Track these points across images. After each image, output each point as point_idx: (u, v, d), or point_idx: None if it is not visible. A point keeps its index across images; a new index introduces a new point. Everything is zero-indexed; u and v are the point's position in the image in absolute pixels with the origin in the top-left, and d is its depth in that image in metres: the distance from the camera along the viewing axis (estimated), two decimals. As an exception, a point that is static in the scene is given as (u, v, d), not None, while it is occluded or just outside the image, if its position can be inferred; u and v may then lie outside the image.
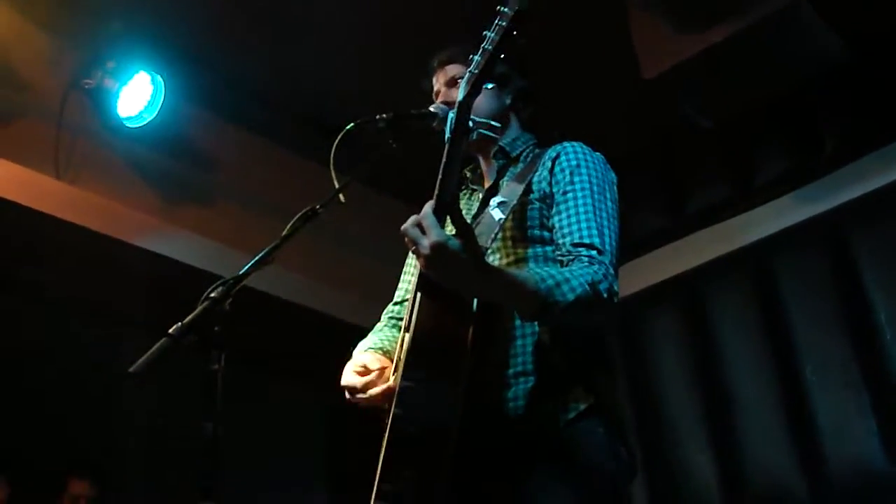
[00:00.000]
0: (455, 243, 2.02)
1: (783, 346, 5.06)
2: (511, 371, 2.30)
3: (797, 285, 5.11)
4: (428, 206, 2.07)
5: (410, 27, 4.72)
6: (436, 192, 2.10)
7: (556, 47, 4.37)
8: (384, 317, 2.82)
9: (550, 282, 2.12)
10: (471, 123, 2.24)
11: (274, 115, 5.42)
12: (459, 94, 2.18)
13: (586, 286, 2.14)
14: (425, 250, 2.01)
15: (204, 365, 1.96)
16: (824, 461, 4.75)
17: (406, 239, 2.06)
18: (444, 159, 2.14)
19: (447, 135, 2.20)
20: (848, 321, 4.88)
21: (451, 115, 2.20)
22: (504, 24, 2.11)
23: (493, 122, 2.55)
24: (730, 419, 5.15)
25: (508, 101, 2.69)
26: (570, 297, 2.11)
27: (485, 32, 2.15)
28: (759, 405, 5.06)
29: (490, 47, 2.14)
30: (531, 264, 2.36)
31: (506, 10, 2.13)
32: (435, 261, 2.02)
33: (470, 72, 2.16)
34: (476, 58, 2.16)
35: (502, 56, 2.15)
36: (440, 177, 2.11)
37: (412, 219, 2.05)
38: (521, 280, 2.11)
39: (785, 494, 4.84)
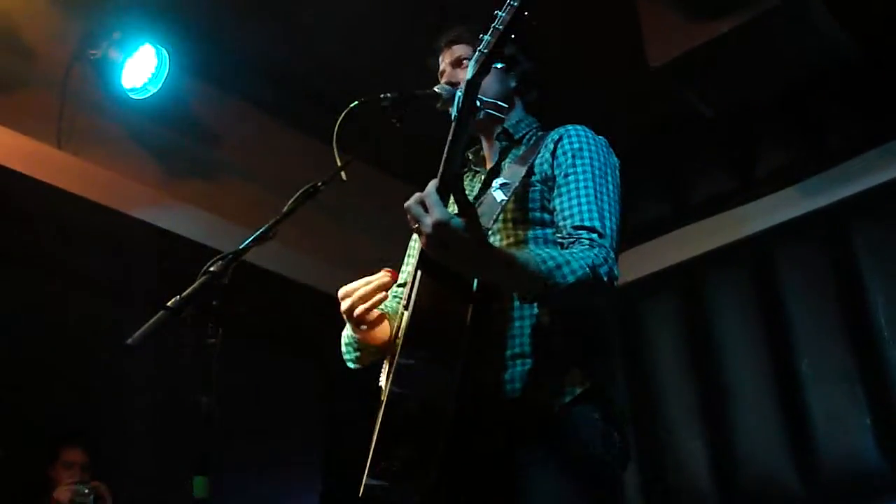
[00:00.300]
0: (458, 222, 2.01)
1: (780, 338, 5.07)
2: (508, 352, 2.30)
3: (796, 278, 5.12)
4: (431, 185, 2.06)
5: (418, 4, 4.71)
6: (440, 170, 2.09)
7: (561, 33, 4.36)
8: (389, 296, 2.83)
9: (551, 263, 2.11)
10: (478, 103, 2.23)
11: (278, 90, 5.42)
12: (468, 73, 2.15)
13: (587, 269, 2.14)
14: (427, 228, 2.00)
15: (201, 338, 1.97)
16: (817, 454, 4.77)
17: (409, 216, 2.05)
18: (449, 138, 2.12)
19: (454, 114, 2.18)
20: (845, 316, 4.89)
21: (459, 94, 2.18)
22: (515, 3, 2.08)
23: (500, 103, 2.54)
24: (724, 409, 5.17)
25: (514, 84, 2.68)
26: (571, 279, 2.11)
27: (495, 12, 2.13)
28: (755, 396, 5.07)
29: (500, 27, 2.10)
30: (531, 246, 2.35)
31: None
32: (436, 239, 2.00)
33: (479, 51, 2.13)
34: (486, 37, 2.13)
35: (512, 36, 2.12)
36: (445, 155, 2.10)
37: (415, 196, 2.04)
38: (522, 261, 2.11)
39: (777, 485, 4.85)
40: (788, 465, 4.85)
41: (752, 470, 4.97)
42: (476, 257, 2.05)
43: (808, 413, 4.86)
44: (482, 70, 2.14)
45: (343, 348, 2.65)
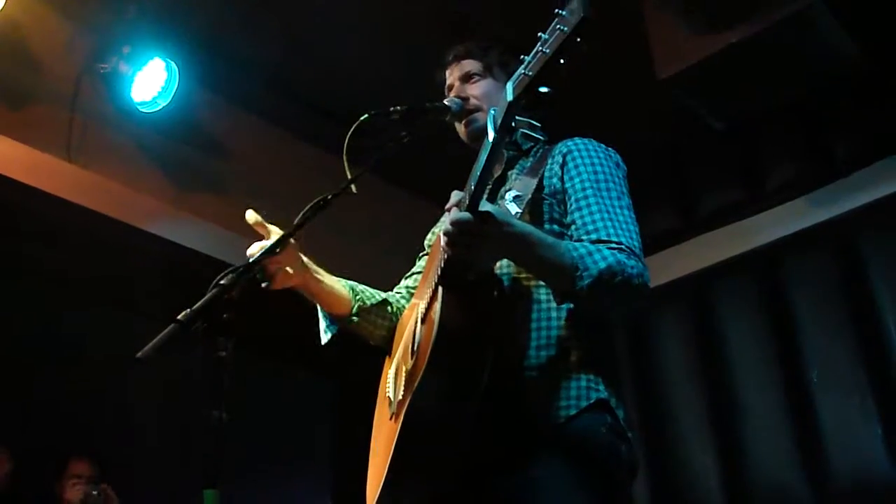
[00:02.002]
0: (500, 210, 2.10)
1: (790, 350, 5.05)
2: (525, 363, 2.30)
3: (806, 289, 5.10)
4: (456, 195, 2.12)
5: (427, 18, 4.72)
6: (471, 190, 2.09)
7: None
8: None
9: (582, 251, 2.18)
10: (513, 123, 2.19)
11: (287, 103, 5.43)
12: (508, 94, 2.06)
13: (620, 259, 2.19)
14: (473, 224, 2.04)
15: (212, 352, 1.96)
16: (828, 466, 4.74)
17: (451, 230, 2.07)
18: (483, 157, 2.10)
19: (492, 134, 2.10)
20: (855, 326, 4.87)
21: (493, 112, 2.12)
22: (565, 29, 1.96)
23: (534, 122, 2.50)
24: (734, 421, 5.15)
25: None
26: (602, 264, 2.15)
27: (539, 34, 2.02)
28: (765, 408, 5.05)
29: (548, 51, 1.99)
30: None
31: (564, 13, 1.98)
32: (487, 227, 2.05)
33: (522, 73, 2.04)
34: (527, 58, 2.04)
35: (561, 61, 2.00)
36: (478, 175, 2.08)
37: (449, 220, 2.08)
38: (552, 242, 2.18)
39: (788, 497, 4.83)
40: (799, 477, 4.83)
41: (763, 482, 4.95)
42: (522, 240, 2.13)
43: (818, 424, 4.84)
44: (525, 93, 2.04)
45: (324, 330, 2.72)
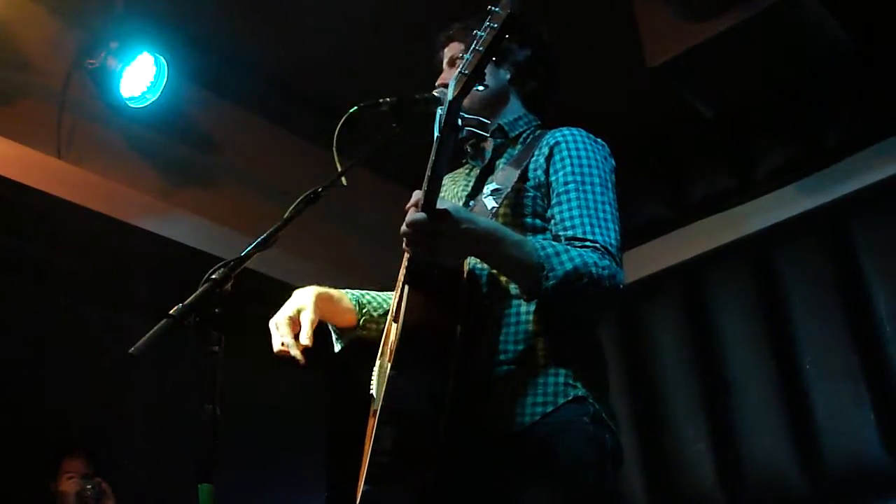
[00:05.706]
0: (457, 207, 2.09)
1: (782, 337, 5.06)
2: (501, 357, 2.29)
3: (797, 276, 5.11)
4: (416, 195, 2.10)
5: (418, 8, 4.70)
6: (424, 188, 2.07)
7: (558, 33, 4.35)
8: None
9: (550, 250, 2.15)
10: (460, 121, 2.17)
11: (277, 96, 5.42)
12: (449, 93, 2.08)
13: (587, 261, 2.16)
14: (427, 223, 2.02)
15: (204, 347, 1.96)
16: (821, 451, 4.76)
17: (407, 231, 2.06)
18: (432, 157, 2.09)
19: (436, 133, 2.13)
20: (847, 312, 4.88)
21: (440, 111, 2.14)
22: (495, 26, 2.01)
23: (482, 119, 2.46)
24: (728, 408, 5.16)
25: (507, 77, 2.64)
26: (568, 265, 2.13)
27: (474, 31, 2.07)
28: (758, 395, 5.06)
29: (481, 49, 2.03)
30: None
31: (497, 10, 2.03)
32: (444, 226, 2.04)
33: (460, 73, 2.06)
34: (467, 57, 2.07)
35: (493, 59, 2.06)
36: (429, 173, 2.07)
37: (407, 221, 2.07)
38: (518, 240, 2.16)
39: (782, 484, 4.85)
40: (793, 463, 4.84)
41: (758, 468, 4.96)
42: (482, 235, 2.12)
43: (811, 410, 4.85)
44: (463, 92, 2.06)
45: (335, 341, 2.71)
